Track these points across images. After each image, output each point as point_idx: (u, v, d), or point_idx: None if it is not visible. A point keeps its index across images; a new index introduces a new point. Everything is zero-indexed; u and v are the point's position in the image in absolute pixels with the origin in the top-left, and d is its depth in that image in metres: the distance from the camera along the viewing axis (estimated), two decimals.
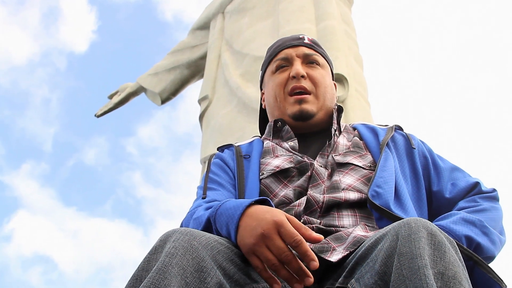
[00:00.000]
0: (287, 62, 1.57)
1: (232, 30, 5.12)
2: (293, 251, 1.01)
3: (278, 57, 1.59)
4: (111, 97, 6.27)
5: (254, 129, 4.05)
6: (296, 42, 1.59)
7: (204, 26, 5.82)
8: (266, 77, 1.63)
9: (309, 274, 0.99)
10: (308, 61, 1.57)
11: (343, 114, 4.13)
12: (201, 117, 4.88)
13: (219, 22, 5.44)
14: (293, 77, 1.52)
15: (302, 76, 1.52)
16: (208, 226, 1.20)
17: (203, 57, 5.54)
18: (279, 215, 1.03)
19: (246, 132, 3.95)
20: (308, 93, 1.52)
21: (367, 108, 4.17)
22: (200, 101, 4.96)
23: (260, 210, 1.07)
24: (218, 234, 1.16)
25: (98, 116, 6.25)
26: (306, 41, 1.60)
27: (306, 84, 1.52)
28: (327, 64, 1.63)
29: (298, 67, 1.53)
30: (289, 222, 1.02)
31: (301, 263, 1.00)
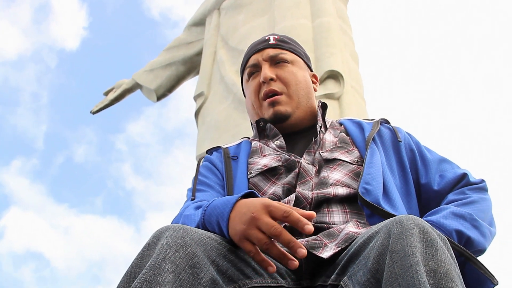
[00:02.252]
0: (256, 68, 1.57)
1: (227, 27, 5.12)
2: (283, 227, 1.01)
3: (248, 64, 1.60)
4: (106, 93, 6.25)
5: (250, 125, 4.06)
6: (261, 45, 1.59)
7: (199, 23, 5.80)
8: (244, 85, 1.66)
9: (301, 245, 0.97)
10: (275, 61, 1.56)
11: (339, 111, 4.09)
12: (196, 113, 4.88)
13: (215, 18, 5.43)
14: (263, 82, 1.53)
15: (271, 79, 1.52)
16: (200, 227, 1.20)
17: (199, 54, 5.53)
18: (267, 199, 1.05)
19: (242, 128, 3.95)
20: (280, 94, 1.52)
21: (363, 104, 4.18)
22: (195, 97, 4.95)
23: (248, 200, 1.08)
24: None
25: (93, 113, 6.23)
26: (271, 41, 1.59)
27: (276, 86, 1.52)
28: (299, 58, 1.61)
29: (266, 71, 1.53)
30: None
31: (291, 235, 0.99)
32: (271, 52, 1.57)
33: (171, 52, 5.93)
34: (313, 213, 1.02)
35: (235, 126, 4.14)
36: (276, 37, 1.62)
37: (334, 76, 3.89)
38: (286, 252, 1.00)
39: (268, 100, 1.52)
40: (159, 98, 5.96)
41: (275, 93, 1.52)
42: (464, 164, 1.51)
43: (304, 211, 1.02)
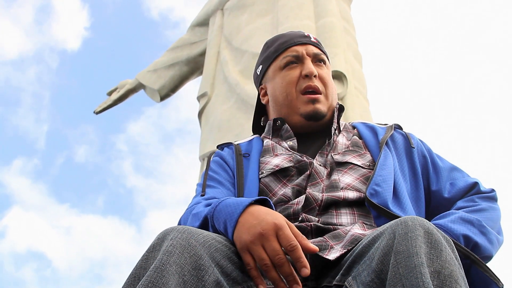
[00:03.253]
0: (297, 60, 1.55)
1: (231, 27, 5.12)
2: (287, 256, 1.03)
3: (287, 53, 1.56)
4: (110, 93, 6.27)
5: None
6: (304, 40, 1.58)
7: (203, 23, 5.81)
8: (272, 72, 1.59)
9: (298, 281, 1.01)
10: (317, 60, 1.56)
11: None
12: (200, 113, 4.89)
13: (218, 18, 5.43)
14: (306, 76, 1.51)
15: (315, 76, 1.52)
16: (205, 223, 1.21)
17: (202, 54, 5.54)
18: (280, 218, 1.06)
19: (245, 128, 3.95)
20: (320, 93, 1.52)
21: (366, 105, 4.18)
22: (199, 97, 4.96)
23: (262, 210, 1.09)
24: (215, 231, 1.16)
25: (97, 113, 6.25)
26: (312, 39, 1.60)
27: (318, 84, 1.52)
28: (329, 64, 1.63)
29: (311, 66, 1.52)
30: (289, 228, 1.04)
31: (293, 269, 1.02)
32: (314, 49, 1.57)
33: (174, 52, 5.93)
34: (316, 248, 1.05)
35: (238, 126, 4.14)
36: (314, 36, 1.63)
37: (337, 76, 3.88)
38: (282, 280, 1.02)
39: (309, 96, 1.51)
40: (162, 98, 5.97)
41: (316, 91, 1.51)
42: (466, 165, 1.51)
43: (310, 245, 1.04)
